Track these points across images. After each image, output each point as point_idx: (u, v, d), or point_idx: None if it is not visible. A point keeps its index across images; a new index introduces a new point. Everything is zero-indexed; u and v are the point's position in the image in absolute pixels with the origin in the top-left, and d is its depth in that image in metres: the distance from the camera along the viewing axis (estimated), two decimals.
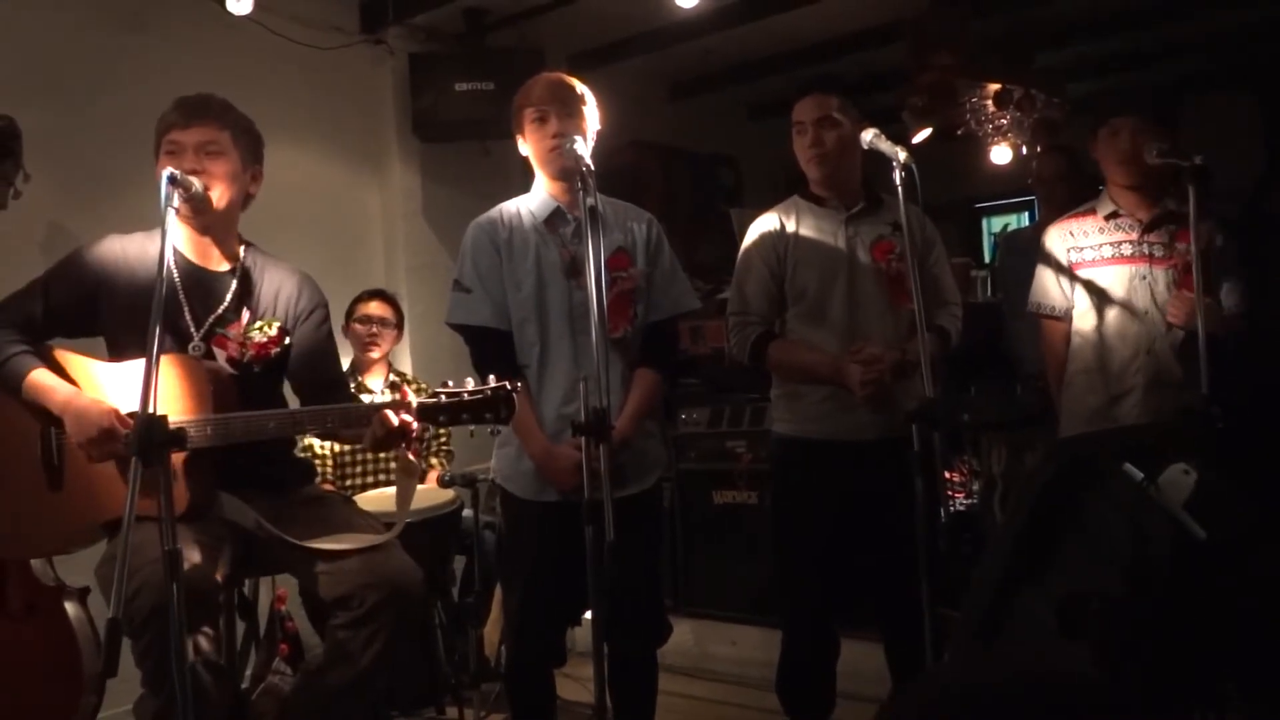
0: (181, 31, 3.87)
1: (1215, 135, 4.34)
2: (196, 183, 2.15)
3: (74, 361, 2.32)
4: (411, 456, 2.44)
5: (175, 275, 2.31)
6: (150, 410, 1.80)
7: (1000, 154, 5.30)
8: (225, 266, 2.41)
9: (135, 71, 3.68)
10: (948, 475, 4.27)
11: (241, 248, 2.45)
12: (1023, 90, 4.89)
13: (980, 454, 4.26)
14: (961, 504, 4.33)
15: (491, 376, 2.22)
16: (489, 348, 2.56)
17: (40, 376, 2.24)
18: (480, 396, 2.18)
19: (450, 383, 2.22)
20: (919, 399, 2.56)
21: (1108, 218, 2.89)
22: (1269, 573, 1.83)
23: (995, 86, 4.93)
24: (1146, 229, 2.85)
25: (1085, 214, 2.95)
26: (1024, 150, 5.07)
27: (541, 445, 2.52)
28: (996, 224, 7.73)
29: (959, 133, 5.15)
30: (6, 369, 2.24)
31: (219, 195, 2.31)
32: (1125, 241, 2.86)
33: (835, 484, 2.70)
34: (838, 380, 2.66)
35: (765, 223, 2.84)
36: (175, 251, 2.32)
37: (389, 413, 2.17)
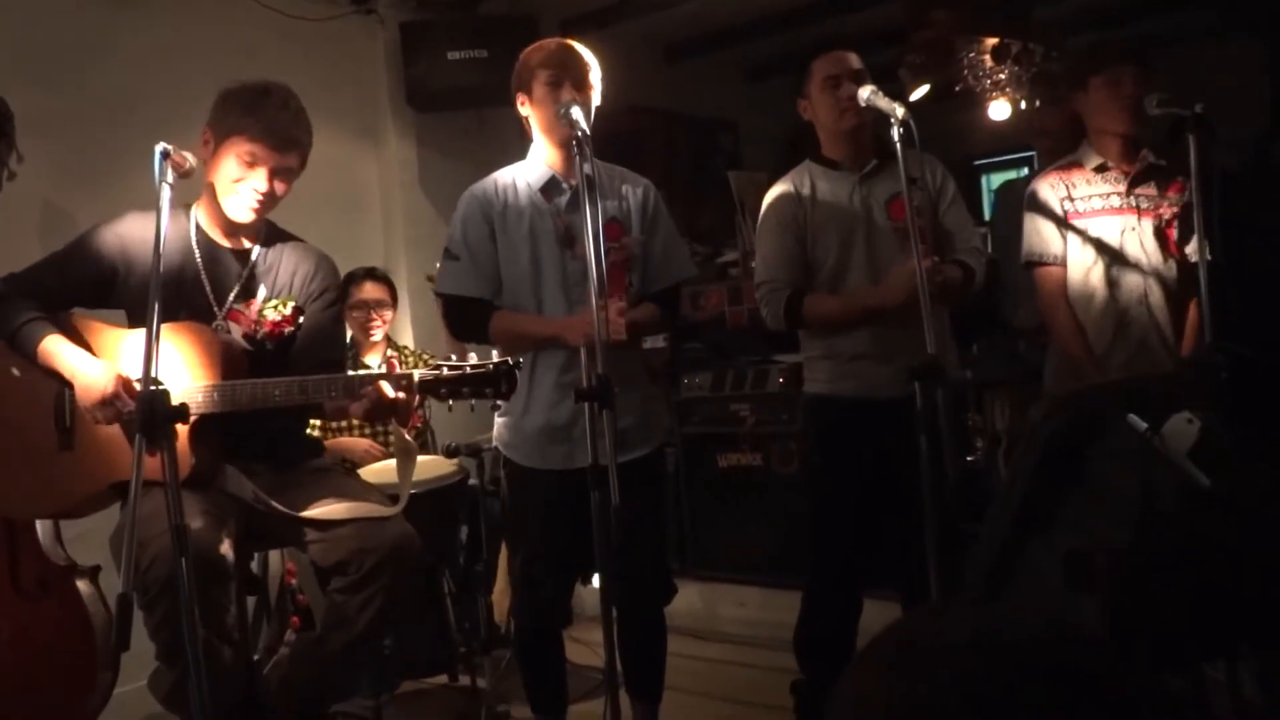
0: (172, 7, 3.83)
1: (1220, 85, 4.30)
2: (190, 158, 2.15)
3: (95, 329, 2.38)
4: (406, 435, 2.46)
5: (197, 253, 2.39)
6: (152, 385, 1.81)
7: (998, 109, 5.25)
8: (246, 245, 2.46)
9: (127, 49, 3.65)
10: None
11: (265, 227, 2.49)
12: (1021, 44, 4.85)
13: (984, 410, 4.27)
14: (966, 460, 4.34)
15: (495, 352, 2.23)
16: (470, 317, 2.57)
17: (53, 342, 2.27)
18: (481, 371, 2.19)
19: (454, 356, 2.22)
20: (943, 348, 2.56)
21: (1096, 170, 2.89)
22: (1276, 521, 1.83)
23: (993, 41, 4.89)
24: (1133, 182, 2.86)
25: (1072, 167, 2.94)
26: (1022, 105, 5.03)
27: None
28: (996, 181, 7.68)
29: (957, 89, 5.11)
30: (21, 335, 2.29)
31: (269, 209, 2.42)
32: (1114, 194, 2.87)
33: (868, 442, 2.70)
34: (880, 303, 2.63)
35: (781, 191, 2.82)
36: (199, 229, 2.42)
37: (385, 385, 2.18)
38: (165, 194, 2.01)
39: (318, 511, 2.30)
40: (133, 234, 2.36)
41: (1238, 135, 4.35)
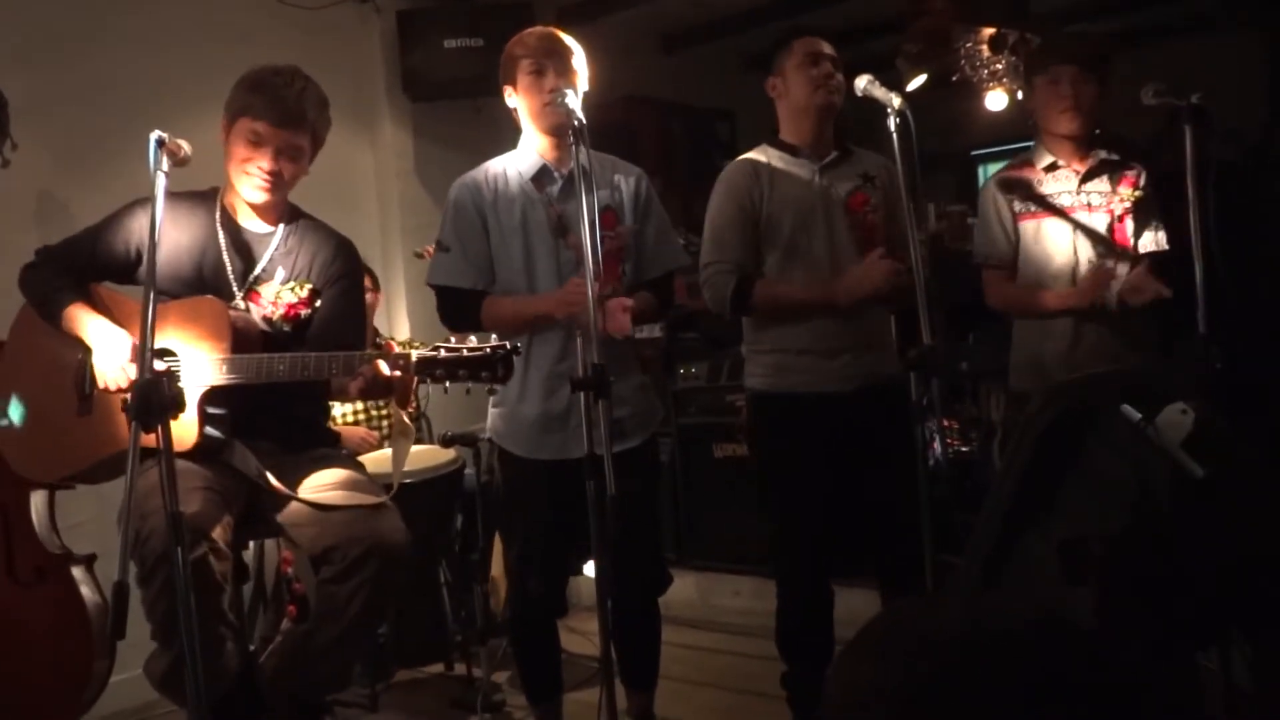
0: None
1: (1219, 76, 4.29)
2: (185, 146, 2.14)
3: (121, 303, 2.44)
4: (404, 417, 2.46)
5: (220, 236, 2.42)
6: (163, 354, 1.83)
7: (995, 100, 5.25)
8: (268, 228, 2.48)
9: (121, 34, 3.63)
10: (946, 423, 4.28)
11: (288, 211, 2.51)
12: (1018, 34, 4.84)
13: (979, 401, 4.27)
14: (961, 450, 4.35)
15: (494, 336, 2.22)
16: (464, 307, 2.57)
17: (76, 310, 2.36)
18: (479, 354, 2.18)
19: (453, 338, 2.22)
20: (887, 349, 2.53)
21: (1046, 169, 2.89)
22: (1269, 512, 1.83)
23: (990, 31, 4.88)
24: (1084, 179, 2.85)
25: (1023, 166, 2.95)
26: (1019, 95, 5.02)
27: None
28: (993, 172, 7.66)
29: (954, 79, 5.10)
30: (49, 303, 2.38)
31: (281, 190, 2.43)
32: (1064, 192, 2.86)
33: (819, 438, 2.68)
34: (831, 298, 2.60)
35: (737, 167, 2.79)
36: (223, 213, 2.45)
37: (381, 364, 2.18)
38: (160, 182, 2.01)
39: (312, 496, 2.31)
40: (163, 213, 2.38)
41: (1238, 127, 4.35)
